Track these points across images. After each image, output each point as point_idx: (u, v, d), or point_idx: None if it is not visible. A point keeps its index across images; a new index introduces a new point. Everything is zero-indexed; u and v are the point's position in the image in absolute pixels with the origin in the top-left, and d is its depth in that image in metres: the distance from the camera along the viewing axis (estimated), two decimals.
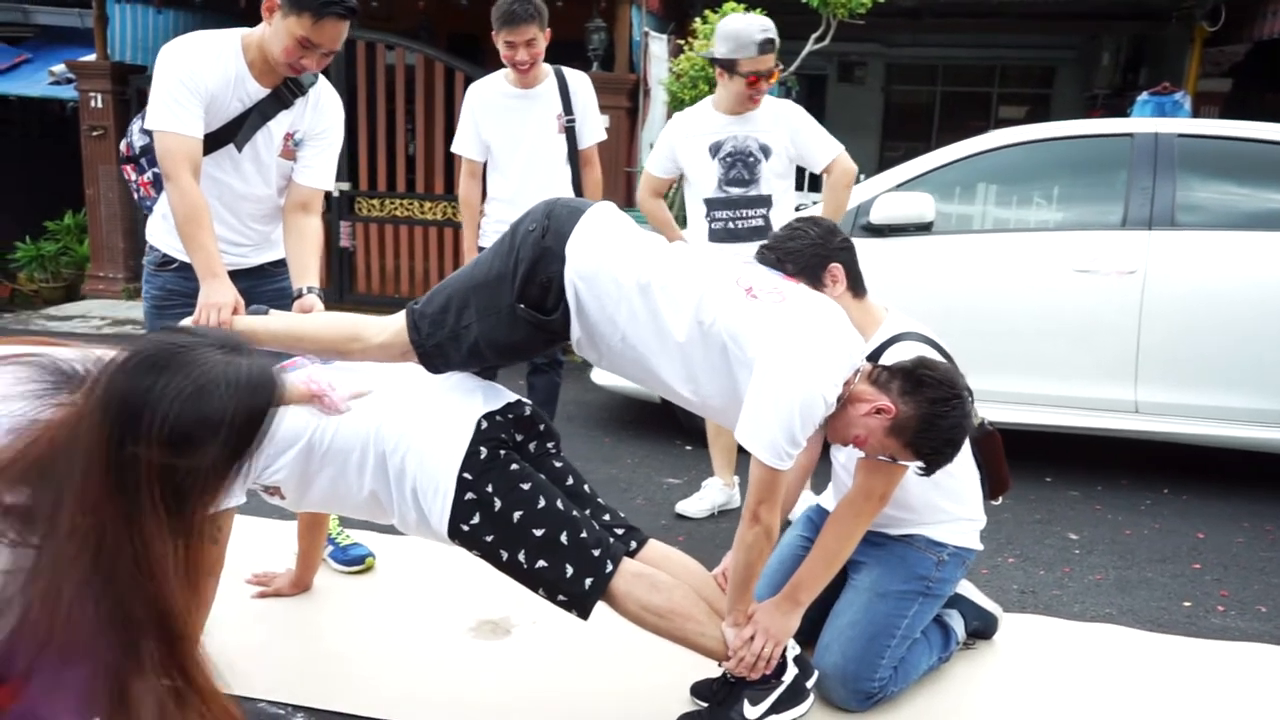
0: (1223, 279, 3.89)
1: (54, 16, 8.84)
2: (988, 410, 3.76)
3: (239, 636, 2.61)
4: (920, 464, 2.14)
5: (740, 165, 3.41)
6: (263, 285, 2.73)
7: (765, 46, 3.31)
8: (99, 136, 7.45)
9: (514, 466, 2.15)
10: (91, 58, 7.55)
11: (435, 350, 2.20)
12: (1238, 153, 4.11)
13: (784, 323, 2.06)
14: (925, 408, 2.06)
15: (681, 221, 3.78)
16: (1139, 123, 4.33)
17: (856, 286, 2.49)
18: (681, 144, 3.50)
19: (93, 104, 7.43)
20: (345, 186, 6.92)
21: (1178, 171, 4.02)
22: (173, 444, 1.14)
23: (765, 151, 3.40)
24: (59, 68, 7.99)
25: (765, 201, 3.44)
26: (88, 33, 7.89)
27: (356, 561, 3.02)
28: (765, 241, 2.55)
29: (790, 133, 3.42)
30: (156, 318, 2.70)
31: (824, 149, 3.43)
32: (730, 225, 3.46)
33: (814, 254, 2.42)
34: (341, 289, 7.08)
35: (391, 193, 6.98)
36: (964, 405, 2.09)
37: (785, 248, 2.45)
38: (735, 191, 3.43)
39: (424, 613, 2.79)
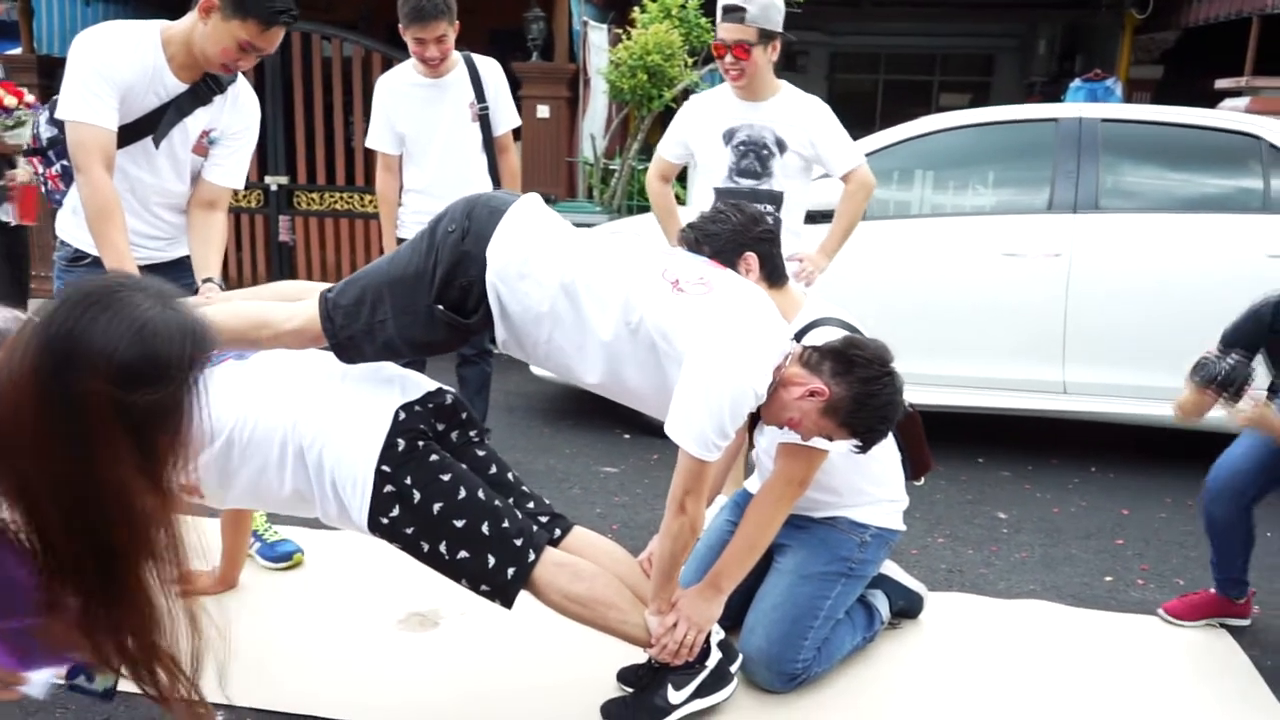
0: (1146, 261, 3.98)
1: None
2: (920, 393, 3.82)
3: None
4: (856, 442, 2.16)
5: (753, 156, 3.19)
6: (180, 279, 2.67)
7: (728, 12, 3.09)
8: None
9: (433, 458, 2.14)
10: (18, 51, 7.36)
11: (348, 342, 2.18)
12: (1160, 137, 4.20)
13: (712, 316, 2.05)
14: (858, 387, 2.08)
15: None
16: (1064, 108, 4.40)
17: (774, 276, 2.49)
18: (695, 127, 3.32)
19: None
20: (284, 180, 6.81)
21: (1101, 156, 4.09)
22: (122, 379, 1.19)
23: (780, 145, 3.18)
24: None
25: (775, 198, 3.21)
26: (13, 26, 7.68)
27: (284, 558, 2.99)
28: (692, 220, 2.56)
29: (810, 131, 3.18)
30: None
31: (844, 156, 3.21)
32: None
33: (730, 239, 2.43)
34: None
35: (331, 186, 6.89)
36: (895, 381, 2.12)
37: (705, 230, 2.46)
38: (745, 183, 3.21)
39: (352, 607, 2.76)
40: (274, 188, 6.80)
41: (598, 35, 6.92)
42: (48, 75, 7.26)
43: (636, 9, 6.24)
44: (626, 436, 4.46)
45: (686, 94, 8.23)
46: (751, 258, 2.45)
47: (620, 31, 6.40)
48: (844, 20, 9.54)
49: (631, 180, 6.58)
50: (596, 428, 4.57)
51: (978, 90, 11.10)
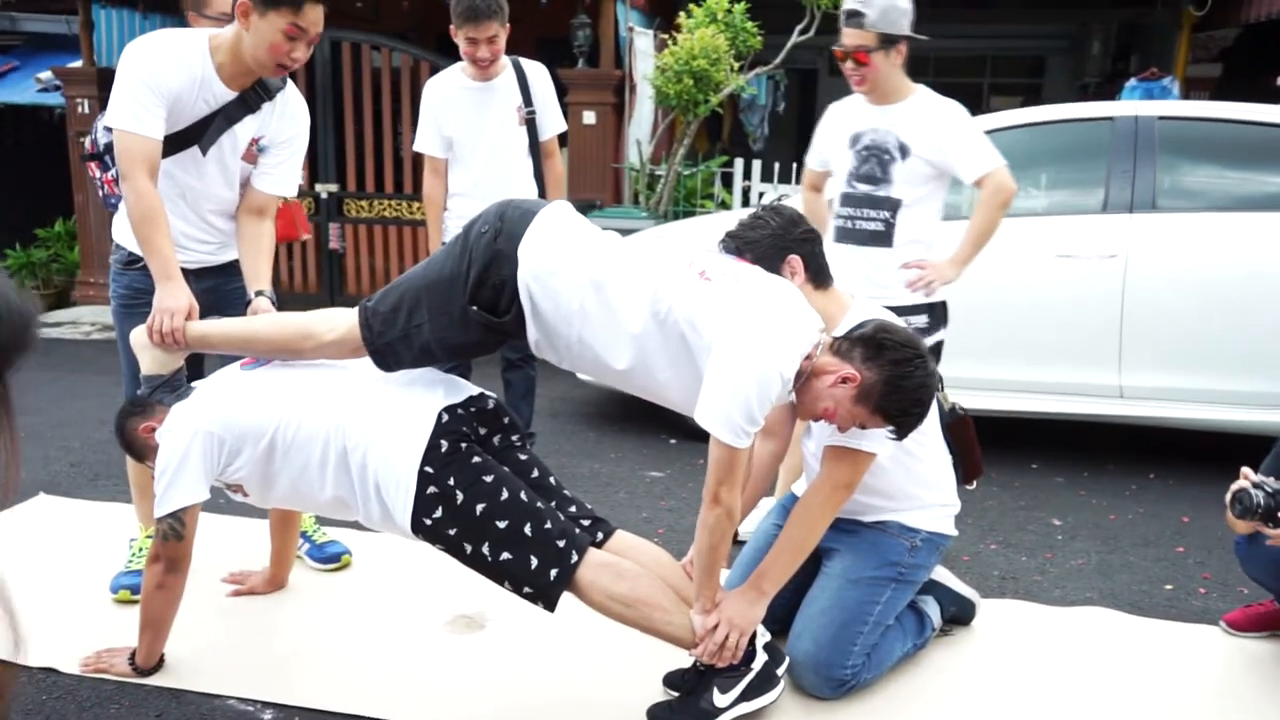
0: (1205, 261, 3.87)
1: (42, 24, 8.85)
2: (972, 398, 3.76)
3: (211, 634, 2.60)
4: (891, 428, 2.13)
5: (874, 161, 3.05)
6: (231, 283, 2.72)
7: (848, 18, 2.97)
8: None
9: (476, 459, 2.14)
10: (78, 64, 7.54)
11: (386, 349, 2.19)
12: (1219, 134, 4.09)
13: (738, 302, 2.05)
14: (889, 370, 2.06)
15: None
16: (1119, 106, 4.30)
17: (819, 277, 2.45)
18: (827, 132, 3.23)
19: (80, 110, 7.42)
20: (334, 188, 6.90)
21: (1159, 154, 4.00)
22: None
23: (903, 151, 3.02)
24: (46, 74, 7.99)
25: (891, 205, 3.05)
26: (75, 39, 7.88)
27: (333, 559, 3.01)
28: (729, 228, 2.53)
29: (939, 135, 3.00)
30: (125, 318, 2.69)
31: (976, 160, 3.00)
32: (849, 225, 3.11)
33: (772, 244, 2.40)
34: (332, 291, 7.07)
35: (380, 193, 6.97)
36: (927, 365, 2.09)
37: (745, 236, 2.44)
38: (862, 188, 3.08)
39: (399, 608, 2.78)
40: (324, 195, 6.89)
41: (644, 41, 6.92)
42: (107, 88, 7.38)
43: (683, 14, 6.22)
44: (672, 442, 4.43)
45: (732, 99, 8.23)
46: (795, 260, 2.42)
47: (666, 37, 6.39)
48: None
49: (677, 186, 6.57)
50: (642, 433, 4.56)
51: (1029, 92, 10.92)
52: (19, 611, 1.03)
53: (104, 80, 7.40)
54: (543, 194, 3.77)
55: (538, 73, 3.73)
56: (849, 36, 2.98)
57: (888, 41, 2.98)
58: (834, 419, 2.12)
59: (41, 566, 2.99)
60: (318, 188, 6.88)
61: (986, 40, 10.39)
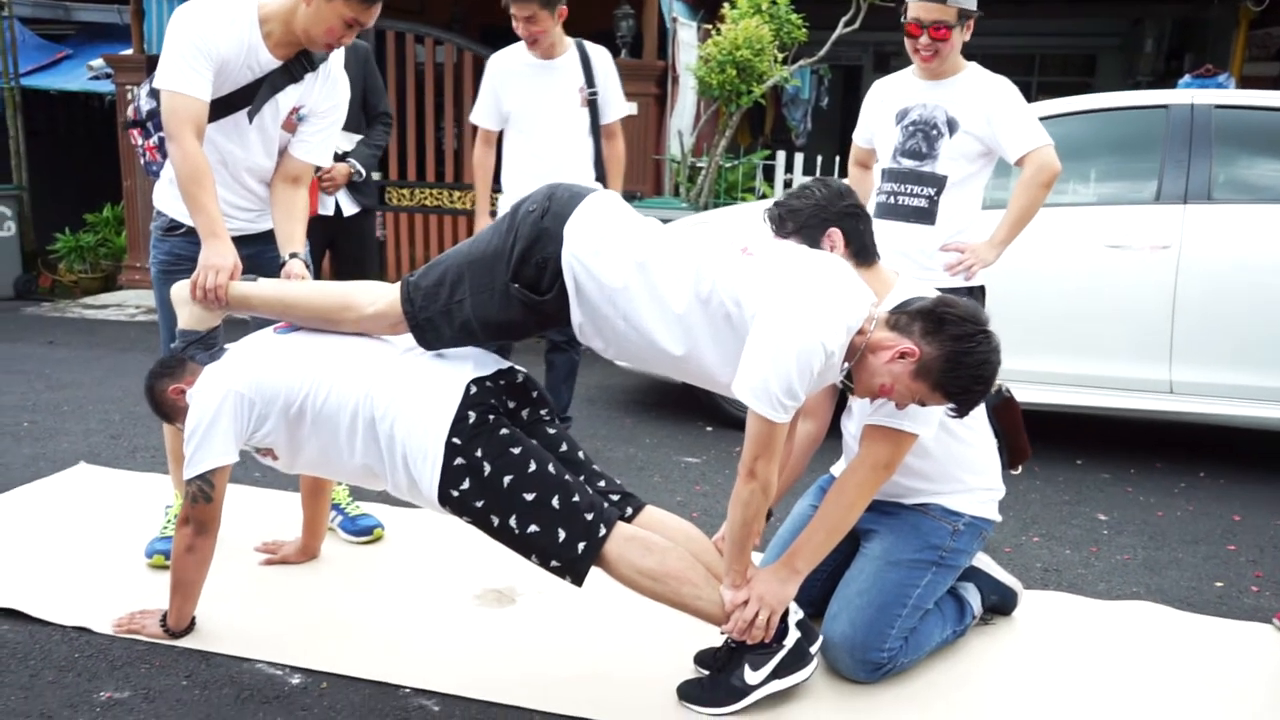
0: (1262, 254, 3.75)
1: (94, 13, 8.98)
2: (1017, 391, 3.65)
3: (242, 601, 2.60)
4: (951, 405, 2.07)
5: (920, 136, 3.01)
6: (269, 250, 2.71)
7: None
8: None
9: (504, 431, 2.12)
10: (129, 52, 7.65)
11: (427, 324, 2.18)
12: (1277, 124, 3.97)
13: (782, 274, 2.01)
14: (950, 345, 1.99)
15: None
16: (1174, 94, 4.19)
17: (862, 254, 2.38)
18: (873, 108, 3.19)
19: (129, 97, 7.49)
20: (376, 176, 6.93)
21: (1215, 144, 3.89)
22: None
23: (951, 126, 2.97)
24: (97, 62, 8.11)
25: (936, 181, 3.00)
26: (126, 28, 8.00)
27: (365, 532, 3.00)
28: (776, 198, 2.49)
29: (988, 111, 2.94)
30: (164, 283, 2.69)
31: (1020, 137, 2.92)
32: (892, 200, 3.07)
33: (814, 215, 2.35)
34: (371, 279, 7.10)
35: (421, 182, 6.99)
36: (990, 340, 2.02)
37: (789, 205, 2.40)
38: (907, 164, 3.04)
39: (429, 581, 2.76)
40: None
41: (687, 33, 6.89)
42: None
43: (727, 5, 6.18)
44: (709, 429, 4.39)
45: (775, 93, 8.16)
46: (836, 234, 2.36)
47: (710, 28, 6.35)
48: None
49: (718, 178, 6.53)
50: (678, 419, 4.52)
51: (1078, 91, 10.69)
52: None
53: (153, 67, 7.44)
54: (601, 176, 3.79)
55: (601, 56, 3.75)
56: (928, 11, 2.91)
57: (964, 16, 2.94)
58: (891, 395, 2.06)
59: (79, 531, 3.01)
60: None
61: (1035, 38, 10.24)
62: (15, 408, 4.47)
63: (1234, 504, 3.62)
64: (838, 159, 6.49)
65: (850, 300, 2.03)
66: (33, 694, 2.17)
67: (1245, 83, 7.58)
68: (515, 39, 3.71)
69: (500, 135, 3.82)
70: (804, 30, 6.19)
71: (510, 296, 2.11)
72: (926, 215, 3.01)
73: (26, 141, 8.15)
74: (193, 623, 2.42)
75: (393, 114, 4.10)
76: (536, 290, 2.10)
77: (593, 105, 3.74)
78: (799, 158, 6.68)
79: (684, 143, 6.63)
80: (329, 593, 2.69)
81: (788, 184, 6.59)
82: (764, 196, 6.69)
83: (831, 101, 9.71)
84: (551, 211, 2.10)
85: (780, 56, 6.15)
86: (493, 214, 3.85)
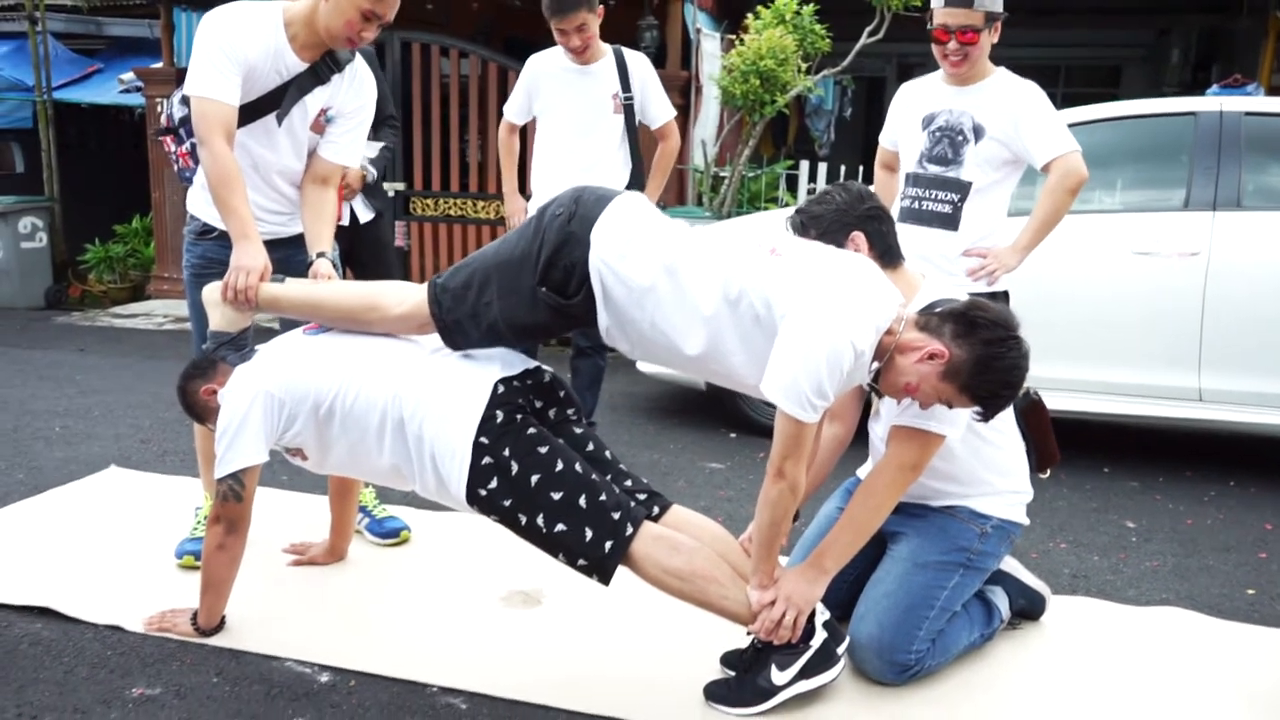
0: None
1: (125, 28, 9.14)
2: (1044, 398, 3.64)
3: (271, 601, 2.62)
4: (978, 409, 2.06)
5: (946, 142, 3.00)
6: (300, 254, 2.74)
7: None
8: None
9: (531, 430, 2.13)
10: (159, 65, 7.76)
11: (454, 325, 2.19)
12: None
13: (810, 275, 2.01)
14: (980, 349, 1.99)
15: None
16: (1203, 101, 4.16)
17: (886, 255, 2.37)
18: (899, 112, 3.20)
19: (159, 110, 7.61)
20: (400, 186, 6.99)
21: (1244, 151, 3.86)
22: None
23: (977, 132, 2.96)
24: (128, 75, 8.24)
25: (960, 187, 2.99)
26: (156, 42, 8.12)
27: (392, 534, 3.02)
28: (798, 205, 2.49)
29: (1015, 117, 2.92)
30: (196, 286, 2.72)
31: (1048, 142, 2.90)
32: (916, 205, 3.07)
33: (835, 219, 2.35)
34: None
35: (446, 192, 7.05)
36: (1020, 345, 2.01)
37: (810, 211, 2.40)
38: (933, 169, 3.03)
39: (456, 582, 2.77)
40: (391, 194, 6.97)
41: (710, 43, 6.91)
42: None
43: (751, 15, 6.20)
44: (733, 435, 4.38)
45: (798, 103, 8.17)
46: (859, 237, 2.36)
47: (734, 39, 6.37)
48: None
49: (741, 188, 6.53)
50: (702, 426, 4.52)
51: (1104, 103, 10.69)
52: None
53: (183, 80, 7.59)
54: (634, 184, 3.81)
55: (638, 61, 3.78)
56: (955, 16, 2.91)
57: (990, 20, 2.93)
58: (917, 395, 2.06)
59: (110, 531, 3.05)
60: (385, 185, 6.96)
61: (1060, 49, 10.18)
62: (48, 413, 4.53)
63: (1265, 512, 3.58)
64: (861, 169, 6.49)
65: (879, 300, 2.03)
66: (66, 690, 2.20)
67: (1274, 93, 7.54)
68: (539, 49, 3.75)
69: (529, 137, 3.89)
70: (827, 40, 6.20)
71: (537, 299, 2.12)
72: (950, 221, 3.00)
73: (58, 154, 8.28)
74: (223, 621, 2.44)
75: (399, 118, 4.14)
76: (564, 293, 2.11)
77: (628, 111, 3.77)
78: (822, 168, 6.68)
79: (707, 152, 6.65)
80: (357, 593, 2.71)
81: (810, 194, 6.58)
82: (786, 206, 6.70)
83: (855, 112, 9.71)
84: (578, 215, 2.11)
85: (804, 67, 6.16)
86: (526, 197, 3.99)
